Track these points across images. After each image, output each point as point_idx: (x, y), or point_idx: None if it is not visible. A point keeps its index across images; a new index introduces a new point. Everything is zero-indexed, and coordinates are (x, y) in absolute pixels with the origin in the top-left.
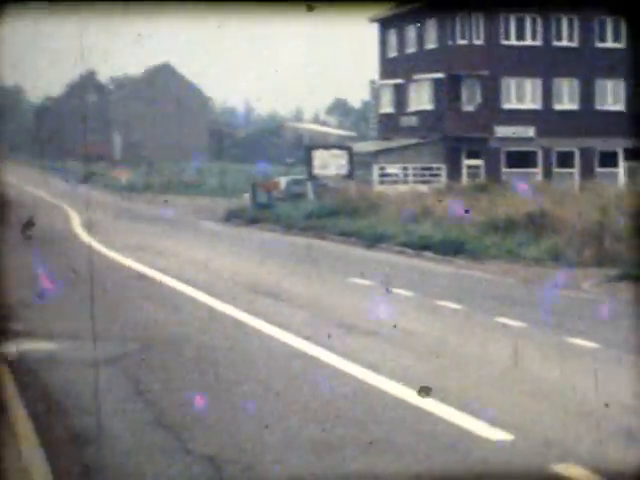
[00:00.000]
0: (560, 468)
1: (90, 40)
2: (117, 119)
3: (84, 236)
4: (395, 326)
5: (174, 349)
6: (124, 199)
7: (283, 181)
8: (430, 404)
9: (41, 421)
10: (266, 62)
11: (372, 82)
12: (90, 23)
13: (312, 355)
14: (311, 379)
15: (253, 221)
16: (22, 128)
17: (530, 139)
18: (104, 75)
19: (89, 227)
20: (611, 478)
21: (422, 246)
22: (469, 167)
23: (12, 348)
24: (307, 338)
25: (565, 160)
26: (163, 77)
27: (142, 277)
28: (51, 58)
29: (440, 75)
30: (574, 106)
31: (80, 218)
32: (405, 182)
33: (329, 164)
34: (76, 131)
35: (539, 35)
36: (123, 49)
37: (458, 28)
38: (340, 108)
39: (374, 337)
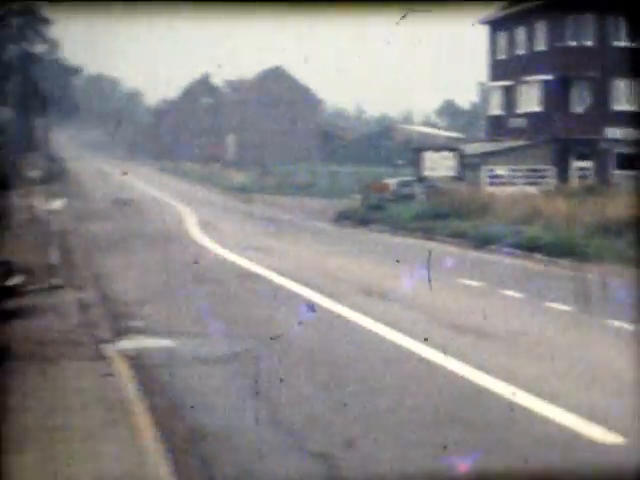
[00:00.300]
0: None
1: (205, 42)
2: (231, 121)
3: (198, 235)
4: (506, 327)
5: (288, 347)
6: (237, 200)
7: (393, 182)
8: (543, 406)
9: (160, 417)
10: (375, 64)
11: (481, 84)
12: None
13: (423, 356)
14: (422, 379)
15: (363, 222)
16: (140, 130)
17: None
18: (219, 78)
19: (203, 227)
20: None
21: (531, 247)
22: (578, 169)
23: (132, 345)
24: (417, 338)
25: None
26: (275, 80)
27: (254, 276)
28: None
29: (549, 77)
30: None
31: (195, 218)
32: (513, 184)
33: (438, 166)
34: (191, 133)
35: None
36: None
37: (568, 29)
38: (449, 110)
39: (485, 338)
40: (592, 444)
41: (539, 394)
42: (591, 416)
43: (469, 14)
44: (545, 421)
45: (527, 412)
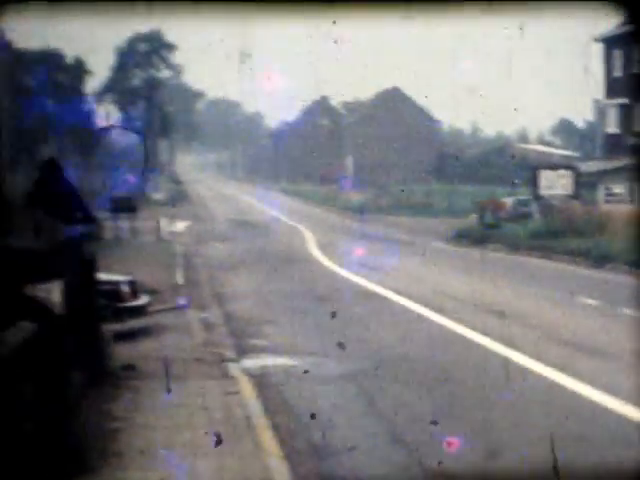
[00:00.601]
0: None
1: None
2: (348, 143)
3: (318, 255)
4: (627, 346)
5: (405, 366)
6: (355, 220)
7: (509, 201)
8: None
9: (283, 433)
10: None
11: (597, 102)
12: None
13: (545, 375)
14: (542, 398)
15: (480, 241)
16: (259, 152)
17: None
18: (336, 100)
19: (322, 247)
20: None
21: None
22: None
23: (255, 364)
24: (535, 357)
25: None
26: (393, 101)
27: (372, 295)
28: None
29: None
30: None
31: (315, 238)
32: (632, 202)
33: (555, 184)
34: (310, 154)
35: None
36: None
37: None
38: (565, 128)
39: (602, 357)
40: None
41: None
42: None
43: (583, 29)
44: None
45: None
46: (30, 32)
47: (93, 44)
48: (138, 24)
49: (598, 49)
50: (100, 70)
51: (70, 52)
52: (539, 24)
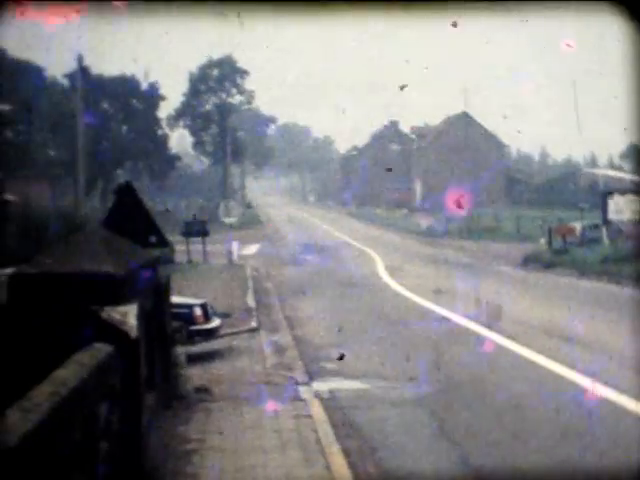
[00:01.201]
0: None
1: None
2: (418, 167)
3: (387, 279)
4: None
5: (476, 391)
6: (423, 244)
7: (578, 226)
8: None
9: (354, 458)
10: (558, 105)
11: None
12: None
13: (619, 402)
14: (613, 426)
15: (549, 266)
16: (329, 176)
17: None
18: (405, 125)
19: (391, 271)
20: None
21: None
22: None
23: (325, 387)
24: (605, 383)
25: None
26: (462, 126)
27: (442, 319)
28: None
29: None
30: None
31: (384, 262)
32: None
33: (624, 209)
34: (379, 179)
35: None
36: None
37: None
38: (634, 152)
39: None
40: None
41: None
42: None
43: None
44: None
45: None
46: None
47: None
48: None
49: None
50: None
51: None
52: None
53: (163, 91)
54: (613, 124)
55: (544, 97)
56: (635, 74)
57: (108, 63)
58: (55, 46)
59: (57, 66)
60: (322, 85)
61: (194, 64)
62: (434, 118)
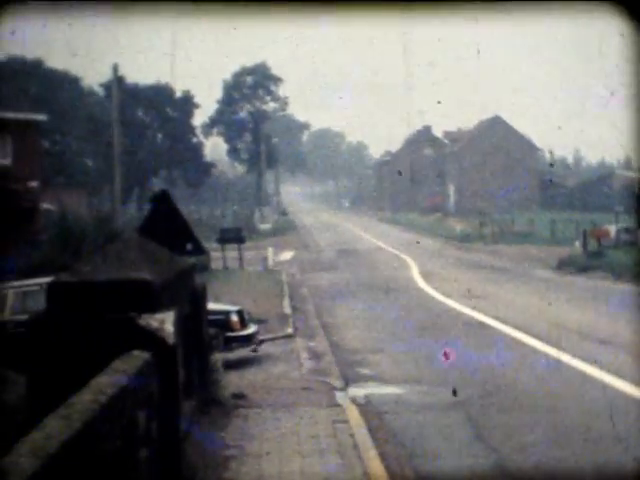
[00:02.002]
0: None
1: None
2: (451, 172)
3: (422, 284)
4: None
5: (511, 395)
6: (457, 248)
7: (613, 229)
8: None
9: (391, 463)
10: (592, 110)
11: None
12: None
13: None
14: None
15: (584, 269)
16: (365, 181)
17: None
18: (438, 130)
19: (426, 276)
20: None
21: None
22: None
23: (361, 392)
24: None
25: None
26: (495, 130)
27: (477, 324)
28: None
29: None
30: None
31: (417, 267)
32: None
33: None
34: (412, 183)
35: None
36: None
37: None
38: None
39: None
40: None
41: None
42: None
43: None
44: None
45: None
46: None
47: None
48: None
49: None
50: (97, 73)
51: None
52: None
53: (197, 99)
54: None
55: (555, 99)
56: (635, 74)
57: (141, 71)
58: (85, 50)
59: (90, 72)
60: (354, 88)
61: (227, 71)
62: (468, 122)
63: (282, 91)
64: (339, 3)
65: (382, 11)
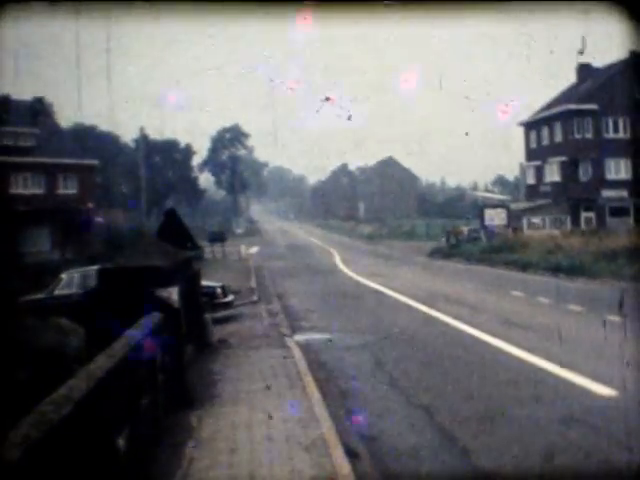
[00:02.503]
0: None
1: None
2: (361, 193)
3: (342, 267)
4: (531, 321)
5: (399, 338)
6: (365, 243)
7: (466, 229)
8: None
9: (322, 383)
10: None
11: (521, 164)
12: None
13: (492, 344)
14: (487, 363)
15: (447, 256)
16: (304, 201)
17: (624, 198)
18: (353, 165)
19: (344, 261)
20: None
21: (555, 269)
22: (585, 218)
23: (303, 338)
24: (478, 327)
25: None
26: (388, 166)
27: (378, 292)
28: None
29: (564, 158)
30: None
31: (339, 256)
32: (544, 228)
33: (495, 218)
34: (336, 201)
35: (627, 130)
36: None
37: (575, 127)
38: (500, 181)
39: (527, 329)
40: None
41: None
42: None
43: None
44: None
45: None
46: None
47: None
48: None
49: (519, 131)
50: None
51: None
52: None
53: (195, 147)
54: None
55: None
56: (527, 142)
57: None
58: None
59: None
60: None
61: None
62: (371, 161)
63: (249, 142)
64: None
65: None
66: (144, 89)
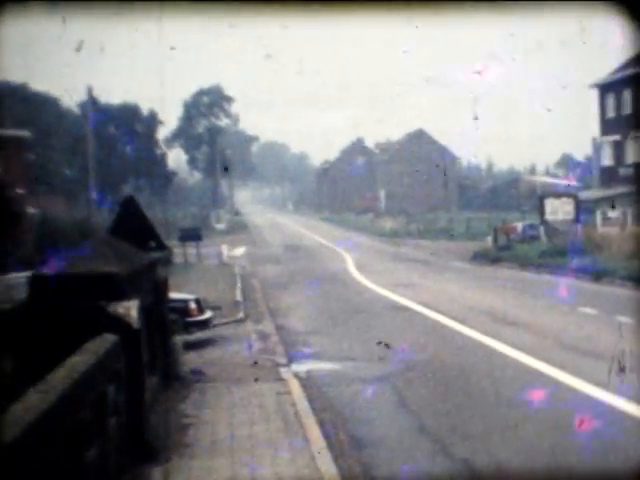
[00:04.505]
0: None
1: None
2: (381, 177)
3: (356, 275)
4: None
5: (432, 369)
6: (387, 243)
7: (519, 226)
8: None
9: (328, 428)
10: (504, 122)
11: (594, 139)
12: None
13: (549, 375)
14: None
15: (495, 260)
16: (306, 187)
17: None
18: (370, 141)
19: (360, 267)
20: None
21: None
22: None
23: (303, 368)
24: (536, 355)
25: None
26: (419, 141)
27: (404, 308)
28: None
29: None
30: None
31: (352, 260)
32: (624, 224)
33: (558, 210)
34: (348, 188)
35: None
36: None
37: None
38: (567, 162)
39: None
40: None
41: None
42: None
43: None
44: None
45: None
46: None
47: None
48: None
49: (594, 94)
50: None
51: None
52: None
53: (161, 116)
54: (551, 137)
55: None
56: (602, 110)
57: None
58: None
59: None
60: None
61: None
62: (396, 133)
63: (235, 108)
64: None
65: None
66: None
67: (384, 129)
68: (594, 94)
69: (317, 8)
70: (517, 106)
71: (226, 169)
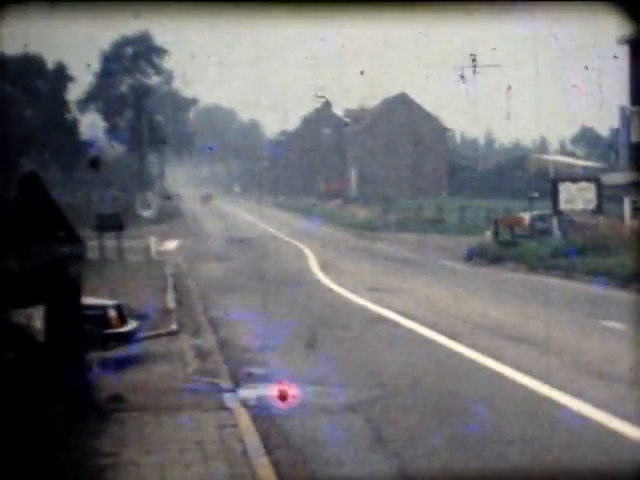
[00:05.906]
0: None
1: None
2: (353, 153)
3: (320, 277)
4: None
5: (415, 397)
6: (360, 237)
7: (527, 217)
8: None
9: (285, 471)
10: (503, 88)
11: (622, 109)
12: None
13: (558, 401)
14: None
15: (495, 260)
16: (258, 164)
17: None
18: (339, 108)
19: (324, 267)
20: None
21: None
22: None
23: (252, 394)
24: (543, 379)
25: None
26: (399, 108)
27: (381, 320)
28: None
29: None
30: None
31: (316, 258)
32: None
33: (576, 198)
34: (310, 167)
35: None
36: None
37: None
38: (587, 137)
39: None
40: None
41: None
42: None
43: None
44: None
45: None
46: (30, 32)
47: (94, 44)
48: (139, 24)
49: (619, 52)
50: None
51: (70, 52)
52: (544, 25)
53: (72, 71)
54: (565, 108)
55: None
56: (634, 73)
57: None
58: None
59: None
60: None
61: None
62: (372, 101)
63: (167, 64)
64: None
65: None
66: None
67: (357, 95)
68: (621, 52)
69: None
70: (524, 77)
71: (157, 140)
